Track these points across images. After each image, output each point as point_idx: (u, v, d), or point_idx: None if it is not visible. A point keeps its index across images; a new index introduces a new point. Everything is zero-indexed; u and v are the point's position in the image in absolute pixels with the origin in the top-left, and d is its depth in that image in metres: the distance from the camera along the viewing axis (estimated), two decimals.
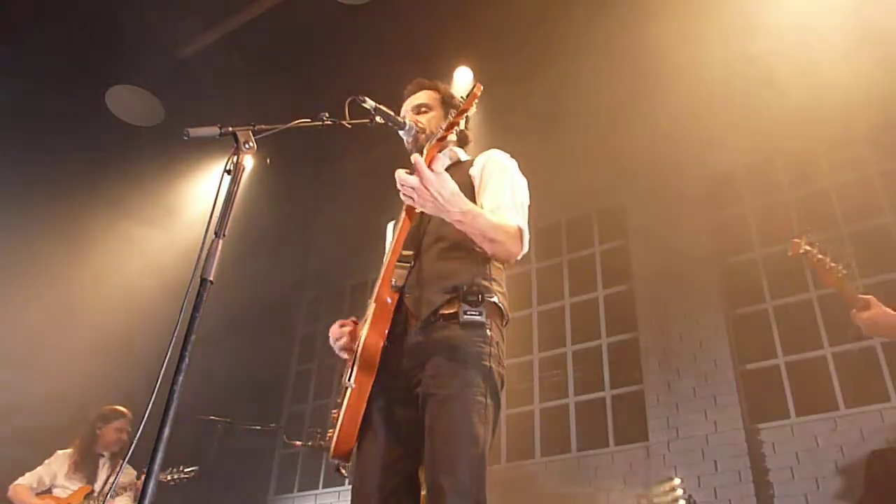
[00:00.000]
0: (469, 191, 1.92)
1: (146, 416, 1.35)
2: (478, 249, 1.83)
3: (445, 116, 2.17)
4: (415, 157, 1.65)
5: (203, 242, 1.50)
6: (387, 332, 1.83)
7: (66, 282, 5.79)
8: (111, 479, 4.22)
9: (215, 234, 1.52)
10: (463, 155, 2.21)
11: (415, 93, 2.25)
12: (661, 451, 5.03)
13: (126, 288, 5.90)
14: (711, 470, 4.72)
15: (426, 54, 5.34)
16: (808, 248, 2.44)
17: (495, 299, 1.88)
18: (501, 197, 1.91)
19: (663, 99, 5.45)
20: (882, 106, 4.97)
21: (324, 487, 6.70)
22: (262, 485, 7.15)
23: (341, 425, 1.84)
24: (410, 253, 1.94)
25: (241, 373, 6.23)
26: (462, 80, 5.84)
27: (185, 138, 1.62)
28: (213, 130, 1.64)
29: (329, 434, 2.00)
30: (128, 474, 4.22)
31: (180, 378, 1.34)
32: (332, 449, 1.88)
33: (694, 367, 5.14)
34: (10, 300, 5.46)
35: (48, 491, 4.23)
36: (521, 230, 1.85)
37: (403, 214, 1.85)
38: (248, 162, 1.64)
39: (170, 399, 1.33)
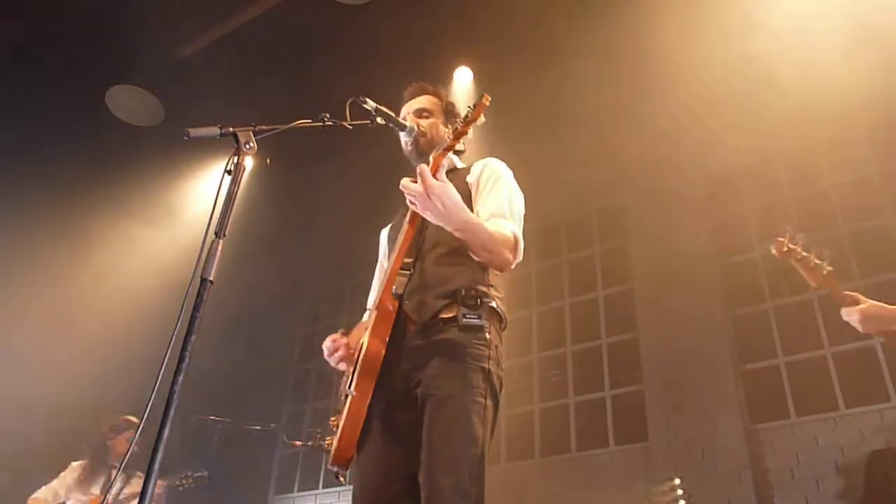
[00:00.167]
0: (466, 198, 1.93)
1: (146, 416, 1.36)
2: (474, 257, 1.85)
3: (446, 123, 2.19)
4: (421, 166, 1.67)
5: (203, 242, 1.50)
6: (387, 339, 1.84)
7: (67, 282, 5.80)
8: (125, 490, 4.23)
9: (215, 234, 1.52)
10: (458, 162, 2.21)
11: (416, 96, 2.24)
12: (661, 451, 5.03)
13: (126, 288, 5.91)
14: (711, 470, 4.72)
15: (426, 54, 5.35)
16: (791, 245, 2.34)
17: (494, 304, 1.90)
18: (498, 206, 1.93)
19: (663, 99, 5.46)
20: (882, 106, 4.97)
21: (324, 487, 6.70)
22: (262, 485, 7.15)
23: (342, 433, 1.84)
24: (410, 260, 1.95)
25: (241, 373, 6.24)
26: (462, 80, 5.85)
27: (186, 138, 1.61)
28: (214, 131, 1.64)
29: (328, 441, 2.00)
30: (139, 483, 4.22)
31: (180, 378, 1.35)
32: (332, 456, 1.88)
33: (694, 367, 5.14)
34: (10, 300, 5.46)
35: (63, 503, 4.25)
36: (516, 240, 1.87)
37: (406, 223, 1.85)
38: (249, 162, 1.64)
39: (170, 399, 1.33)
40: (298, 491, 6.99)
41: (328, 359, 2.06)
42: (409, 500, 1.82)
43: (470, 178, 2.05)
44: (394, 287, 1.89)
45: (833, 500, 4.26)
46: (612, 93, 5.44)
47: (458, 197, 1.70)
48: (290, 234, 7.11)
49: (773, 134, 5.36)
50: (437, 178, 1.66)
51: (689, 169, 5.80)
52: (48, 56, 5.00)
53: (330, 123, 1.87)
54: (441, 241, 1.92)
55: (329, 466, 1.92)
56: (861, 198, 5.11)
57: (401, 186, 1.71)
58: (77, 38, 4.92)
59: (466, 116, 1.71)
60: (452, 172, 2.09)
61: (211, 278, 1.47)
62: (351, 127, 1.92)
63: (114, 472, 4.33)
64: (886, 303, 2.16)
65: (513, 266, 1.88)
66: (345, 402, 1.88)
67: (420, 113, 2.18)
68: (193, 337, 1.39)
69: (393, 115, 2.04)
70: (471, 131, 1.74)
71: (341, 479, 1.94)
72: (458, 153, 2.23)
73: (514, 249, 1.86)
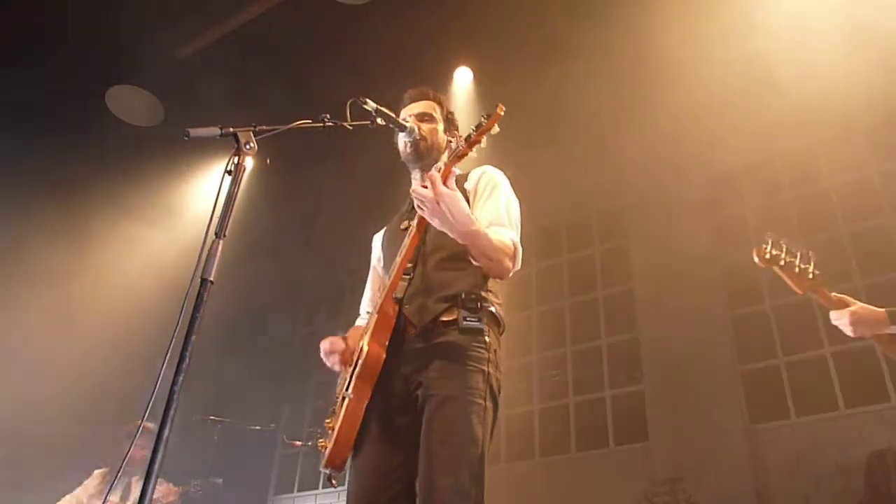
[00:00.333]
0: None
1: (145, 416, 1.36)
2: (475, 263, 1.86)
3: (446, 130, 2.21)
4: (432, 173, 1.70)
5: (203, 243, 1.50)
6: (387, 343, 1.85)
7: (67, 282, 5.80)
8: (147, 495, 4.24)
9: (216, 234, 1.52)
10: (455, 168, 2.21)
11: (418, 100, 2.24)
12: (661, 451, 5.03)
13: (126, 288, 5.91)
14: (711, 470, 4.72)
15: (426, 54, 5.35)
16: (773, 252, 2.23)
17: (493, 308, 1.92)
18: (496, 214, 1.95)
19: (663, 99, 5.46)
20: (882, 106, 4.97)
21: (324, 487, 6.70)
22: (262, 485, 7.15)
23: (338, 435, 1.84)
24: (410, 265, 1.97)
25: (241, 373, 6.24)
26: (462, 80, 5.85)
27: (186, 138, 1.61)
28: (214, 131, 1.64)
29: (321, 443, 1.99)
30: (159, 489, 4.25)
31: (180, 378, 1.35)
32: (326, 458, 1.87)
33: (694, 367, 5.13)
34: (10, 300, 5.46)
35: None
36: (516, 248, 1.90)
37: (414, 228, 1.86)
38: (249, 162, 1.64)
39: (170, 399, 1.33)
40: (298, 491, 6.99)
41: (325, 358, 2.06)
42: (407, 502, 1.82)
43: (467, 185, 2.06)
44: (394, 291, 1.91)
45: (833, 500, 4.26)
46: (613, 93, 5.44)
47: (465, 206, 1.74)
48: (290, 234, 7.11)
49: (773, 134, 5.36)
50: (447, 186, 1.69)
51: (689, 169, 5.80)
52: (48, 56, 5.00)
53: (330, 124, 1.87)
54: (442, 246, 1.93)
55: (321, 469, 1.91)
56: (861, 198, 5.11)
57: (411, 191, 1.75)
58: (77, 38, 4.92)
59: (480, 125, 1.72)
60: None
61: (211, 278, 1.47)
62: (351, 127, 1.92)
63: (134, 479, 4.35)
64: (887, 304, 2.13)
65: (511, 274, 1.90)
66: (341, 405, 1.88)
67: (422, 117, 2.18)
68: (193, 337, 1.39)
69: (393, 115, 2.04)
70: (484, 140, 1.75)
71: (334, 482, 1.93)
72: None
73: (514, 258, 1.89)
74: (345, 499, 1.92)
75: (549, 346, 6.16)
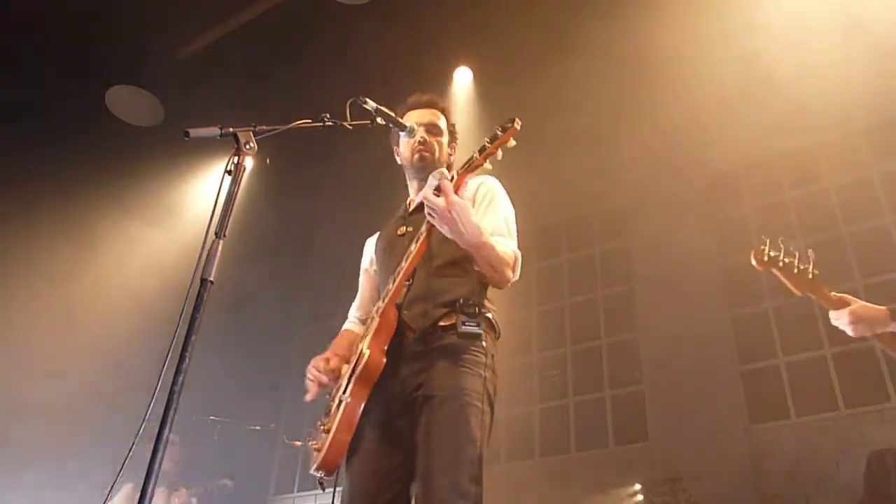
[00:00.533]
0: None
1: (146, 416, 1.36)
2: (475, 269, 1.89)
3: (449, 144, 2.23)
4: (444, 182, 1.73)
5: (203, 243, 1.50)
6: (387, 348, 1.86)
7: (67, 282, 5.79)
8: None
9: (216, 234, 1.52)
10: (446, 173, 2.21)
11: (427, 107, 2.23)
12: (661, 451, 5.03)
13: (126, 288, 5.91)
14: (711, 470, 4.72)
15: (426, 54, 5.35)
16: (772, 254, 2.21)
17: (490, 315, 1.94)
18: (497, 225, 1.97)
19: (663, 99, 5.46)
20: (882, 106, 4.97)
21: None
22: (262, 485, 7.15)
23: (334, 437, 1.83)
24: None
25: (241, 373, 6.23)
26: (462, 80, 5.84)
27: (186, 139, 1.61)
28: (214, 131, 1.64)
29: (314, 445, 1.97)
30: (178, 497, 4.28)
31: (181, 378, 1.34)
32: (320, 461, 1.85)
33: (694, 367, 5.13)
34: (10, 300, 5.46)
35: None
36: (517, 259, 1.93)
37: (423, 235, 1.86)
38: (249, 162, 1.64)
39: (170, 399, 1.33)
40: (298, 491, 6.99)
41: (314, 376, 2.03)
42: (406, 503, 1.83)
43: (465, 194, 2.06)
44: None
45: (833, 500, 4.26)
46: (613, 93, 5.44)
47: (475, 217, 1.77)
48: (290, 234, 7.11)
49: (773, 134, 5.36)
50: (460, 196, 1.73)
51: (688, 169, 5.80)
52: (48, 56, 5.00)
53: (330, 124, 1.88)
54: (440, 253, 1.94)
55: (312, 471, 1.89)
56: (861, 198, 5.11)
57: (423, 198, 1.76)
58: (77, 38, 4.92)
59: (495, 137, 1.74)
60: None
61: (211, 279, 1.47)
62: (351, 127, 1.93)
63: (157, 491, 4.37)
64: (888, 304, 2.12)
65: (509, 284, 1.92)
66: (338, 408, 1.87)
67: (431, 129, 2.18)
68: (194, 337, 1.39)
69: (393, 115, 2.04)
70: (500, 153, 1.77)
71: (323, 486, 1.92)
72: (450, 168, 2.23)
73: (515, 269, 1.92)
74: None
75: (549, 346, 6.16)
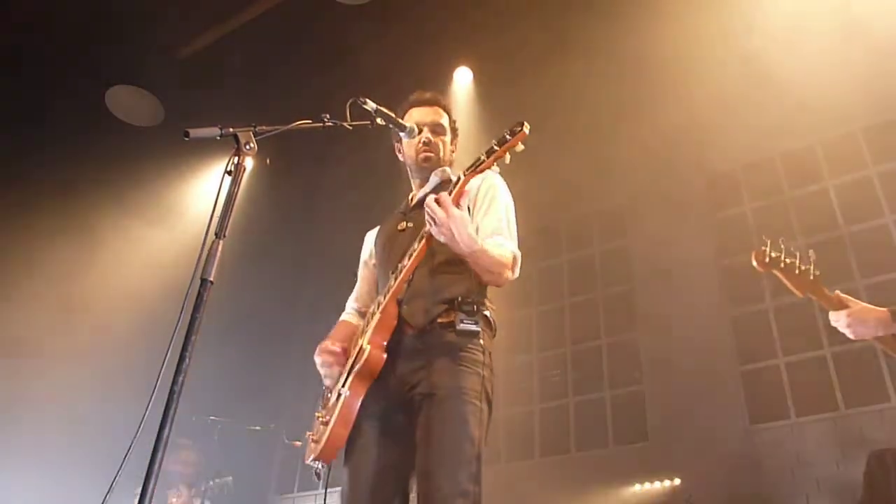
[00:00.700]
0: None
1: (145, 416, 1.36)
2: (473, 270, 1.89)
3: (451, 141, 2.25)
4: (443, 195, 1.74)
5: (203, 243, 1.50)
6: (387, 343, 1.87)
7: (67, 281, 5.79)
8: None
9: (216, 234, 1.52)
10: (453, 175, 2.21)
11: (431, 105, 2.24)
12: (661, 451, 5.03)
13: (126, 288, 5.90)
14: (711, 470, 4.72)
15: (426, 54, 5.34)
16: (773, 255, 2.20)
17: (487, 313, 1.95)
18: (497, 225, 1.98)
19: (663, 99, 5.45)
20: (881, 106, 4.97)
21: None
22: (262, 485, 7.15)
23: (332, 430, 1.84)
24: None
25: (241, 373, 6.23)
26: (462, 80, 5.84)
27: (186, 139, 1.61)
28: (214, 131, 1.64)
29: (310, 435, 1.99)
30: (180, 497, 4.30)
31: (180, 378, 1.35)
32: (319, 451, 1.87)
33: (694, 367, 5.13)
34: (10, 299, 5.46)
35: None
36: (516, 259, 1.93)
37: (424, 238, 1.87)
38: (249, 163, 1.64)
39: (170, 399, 1.33)
40: (298, 491, 6.99)
41: (320, 366, 2.04)
42: (403, 500, 1.83)
43: (467, 188, 2.06)
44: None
45: (833, 500, 4.26)
46: (613, 93, 5.44)
47: (472, 227, 1.79)
48: (290, 234, 7.10)
49: (773, 134, 5.36)
50: (459, 203, 1.75)
51: (688, 169, 5.80)
52: (48, 56, 5.00)
53: (330, 124, 1.88)
54: (439, 251, 1.94)
55: (309, 461, 1.92)
56: (861, 198, 5.11)
57: (425, 205, 1.76)
58: (77, 38, 4.91)
59: (503, 140, 1.74)
60: (448, 183, 2.09)
61: (211, 279, 1.47)
62: (351, 127, 1.93)
63: (172, 493, 4.39)
64: (887, 304, 2.10)
65: (507, 283, 1.93)
66: (336, 401, 1.88)
67: (435, 128, 2.19)
68: (194, 337, 1.39)
69: (393, 115, 2.04)
70: (508, 156, 1.76)
71: (318, 477, 1.94)
72: (451, 165, 2.24)
73: (513, 268, 1.93)
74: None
75: (549, 346, 6.16)
